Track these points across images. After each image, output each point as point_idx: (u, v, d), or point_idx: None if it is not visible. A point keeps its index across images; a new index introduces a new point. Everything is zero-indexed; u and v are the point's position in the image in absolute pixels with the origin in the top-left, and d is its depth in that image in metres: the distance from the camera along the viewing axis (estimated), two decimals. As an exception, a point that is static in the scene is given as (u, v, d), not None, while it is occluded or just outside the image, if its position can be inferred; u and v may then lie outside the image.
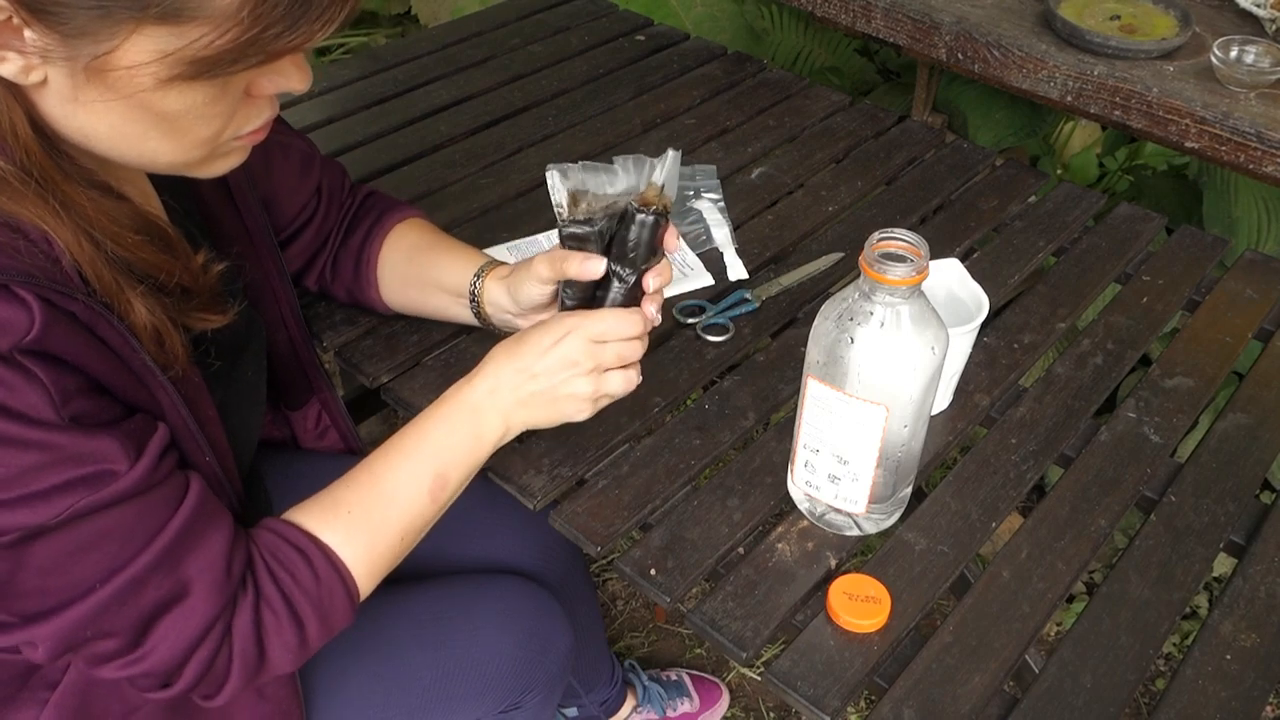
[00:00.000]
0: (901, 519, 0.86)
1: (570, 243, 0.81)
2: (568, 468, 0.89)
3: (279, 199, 0.96)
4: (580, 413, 0.83)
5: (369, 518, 0.77)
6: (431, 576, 1.04)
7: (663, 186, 0.79)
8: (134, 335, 0.66)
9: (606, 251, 0.81)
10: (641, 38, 1.59)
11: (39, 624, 0.64)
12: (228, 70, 0.60)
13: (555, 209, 0.81)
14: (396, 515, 0.79)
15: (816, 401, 0.77)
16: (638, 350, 0.83)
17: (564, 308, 0.84)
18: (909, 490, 0.85)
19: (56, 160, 0.62)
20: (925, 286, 0.92)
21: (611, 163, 0.80)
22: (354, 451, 1.12)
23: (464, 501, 1.12)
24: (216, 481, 0.75)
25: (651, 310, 0.84)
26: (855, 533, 0.84)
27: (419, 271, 0.99)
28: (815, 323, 0.76)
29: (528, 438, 0.92)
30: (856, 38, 2.13)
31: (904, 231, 0.72)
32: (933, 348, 0.74)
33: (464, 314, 0.98)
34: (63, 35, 0.56)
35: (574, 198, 0.80)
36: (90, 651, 0.66)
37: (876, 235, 0.72)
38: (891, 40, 1.50)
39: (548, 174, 0.80)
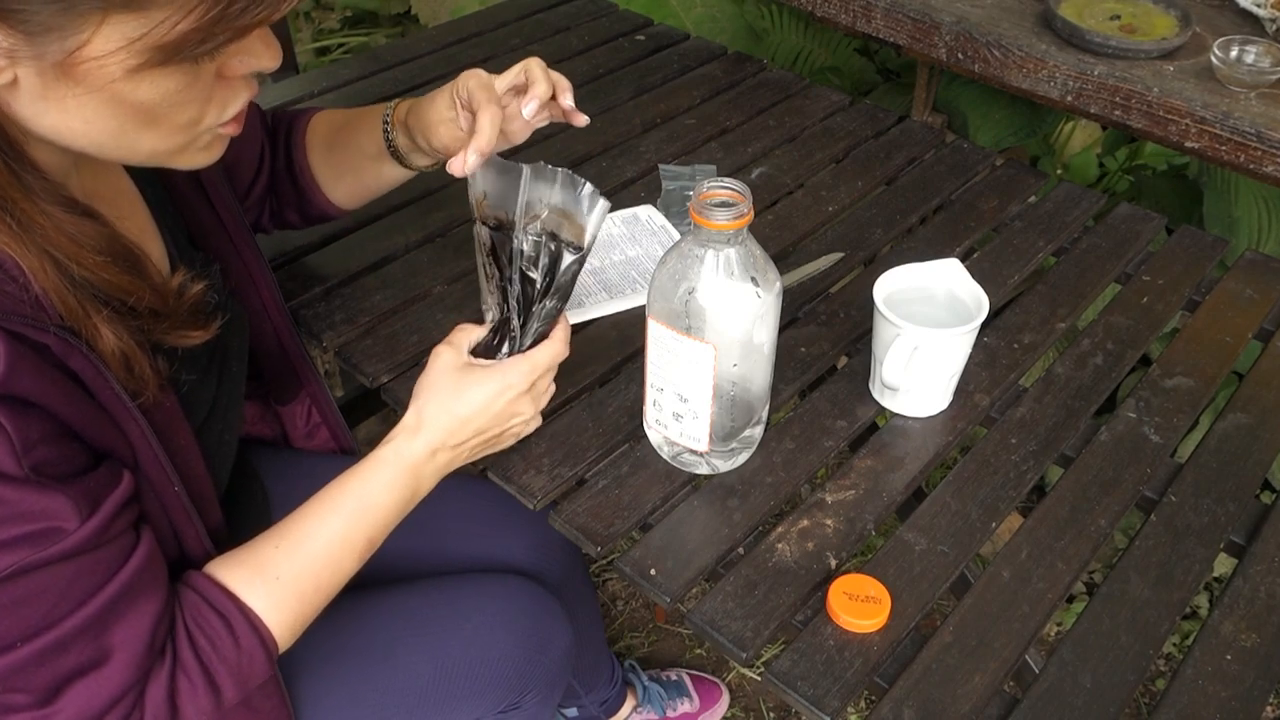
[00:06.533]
0: (901, 517, 0.86)
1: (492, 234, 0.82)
2: (568, 468, 0.89)
3: (240, 161, 0.97)
4: (519, 438, 0.88)
5: (298, 584, 0.76)
6: (430, 576, 1.04)
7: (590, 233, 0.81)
8: (104, 364, 0.64)
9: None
10: (641, 38, 1.59)
11: None
12: (197, 51, 0.59)
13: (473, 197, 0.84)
14: (327, 580, 0.78)
15: (656, 341, 0.81)
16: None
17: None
18: (759, 431, 0.89)
19: (17, 176, 0.60)
20: (926, 286, 0.94)
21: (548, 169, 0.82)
22: (346, 451, 1.12)
23: (464, 501, 1.13)
24: (183, 514, 0.74)
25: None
26: (706, 470, 0.88)
27: (341, 156, 1.01)
28: (655, 268, 0.80)
29: (527, 438, 0.92)
30: (856, 38, 2.13)
31: (731, 180, 0.76)
32: (757, 291, 0.77)
33: (393, 170, 1.00)
34: (26, 34, 0.55)
35: (481, 201, 0.83)
36: None
37: (706, 184, 0.76)
38: (891, 40, 1.50)
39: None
